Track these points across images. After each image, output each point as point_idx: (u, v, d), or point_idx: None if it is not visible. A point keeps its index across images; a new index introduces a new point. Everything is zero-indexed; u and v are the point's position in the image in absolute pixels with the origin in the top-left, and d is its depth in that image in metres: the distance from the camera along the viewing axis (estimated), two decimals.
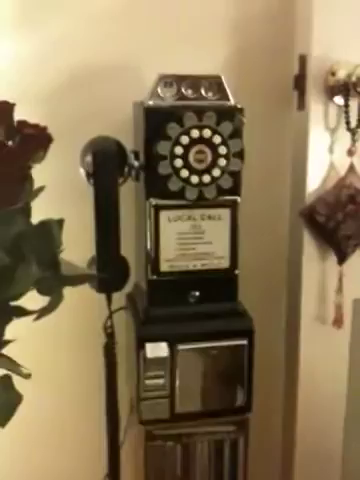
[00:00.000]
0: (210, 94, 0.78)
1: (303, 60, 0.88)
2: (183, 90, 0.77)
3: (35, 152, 0.57)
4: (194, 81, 0.78)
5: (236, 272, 0.82)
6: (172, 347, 0.79)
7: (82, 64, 0.84)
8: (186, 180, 0.76)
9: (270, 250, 0.98)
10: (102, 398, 0.84)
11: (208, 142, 0.76)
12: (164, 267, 0.80)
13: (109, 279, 0.78)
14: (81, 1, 0.84)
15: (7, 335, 0.55)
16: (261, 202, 0.93)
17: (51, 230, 0.62)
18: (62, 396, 0.95)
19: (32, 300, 0.53)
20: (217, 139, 0.76)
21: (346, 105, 0.86)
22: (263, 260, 0.97)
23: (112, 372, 0.83)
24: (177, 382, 0.80)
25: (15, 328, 0.54)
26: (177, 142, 0.75)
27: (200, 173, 0.77)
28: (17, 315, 0.55)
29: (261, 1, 0.90)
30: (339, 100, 0.87)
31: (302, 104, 0.90)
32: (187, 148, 0.76)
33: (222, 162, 0.77)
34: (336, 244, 0.91)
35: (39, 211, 0.56)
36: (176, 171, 0.76)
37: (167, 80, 0.77)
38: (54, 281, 0.62)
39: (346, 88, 0.85)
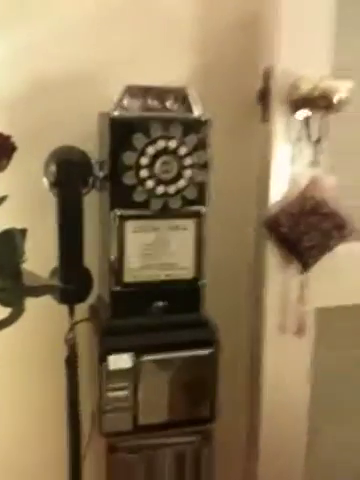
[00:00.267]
0: (176, 106, 0.78)
1: (267, 74, 0.89)
2: (149, 101, 0.78)
3: None
4: (160, 92, 0.78)
5: (201, 283, 0.82)
6: (135, 358, 0.78)
7: (47, 73, 0.83)
8: (151, 191, 0.76)
9: (235, 260, 0.98)
10: (63, 411, 0.83)
11: (174, 153, 0.76)
12: (128, 278, 0.79)
13: (72, 290, 0.77)
14: (47, 10, 0.83)
15: None
16: (226, 213, 0.94)
17: (14, 239, 0.61)
18: (22, 409, 0.93)
19: None
20: (183, 150, 0.77)
21: (308, 118, 0.87)
22: (228, 270, 0.97)
23: (74, 385, 0.81)
24: (140, 394, 0.80)
25: None
26: (143, 153, 0.75)
27: (165, 184, 0.77)
28: None
29: (227, 15, 0.90)
30: (302, 114, 0.89)
31: (266, 117, 0.91)
32: (153, 159, 0.76)
33: (188, 173, 0.77)
34: (299, 254, 0.92)
35: (0, 220, 0.55)
36: (141, 182, 0.76)
37: (133, 91, 0.77)
38: (15, 291, 0.61)
39: (309, 102, 0.86)
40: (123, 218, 0.77)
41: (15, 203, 0.66)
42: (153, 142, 0.75)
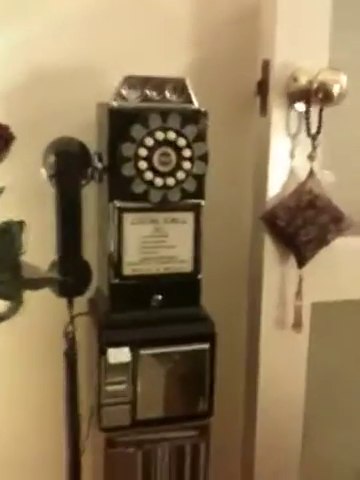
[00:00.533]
0: (174, 97, 0.78)
1: (266, 66, 0.89)
2: (147, 92, 0.77)
3: None
4: (158, 83, 0.77)
5: (199, 276, 0.82)
6: (134, 352, 0.78)
7: (46, 63, 0.82)
8: (150, 182, 0.76)
9: (232, 254, 0.98)
10: (62, 405, 0.82)
11: (173, 145, 0.76)
12: (127, 271, 0.79)
13: (71, 283, 0.76)
14: (46, 2, 0.82)
15: None
16: (224, 206, 0.94)
17: (12, 232, 0.61)
18: (20, 403, 0.92)
19: None
20: (182, 142, 0.76)
21: (307, 111, 0.87)
22: (225, 264, 0.97)
23: (73, 379, 0.81)
24: (139, 388, 0.79)
25: None
26: (141, 144, 0.74)
27: (164, 176, 0.76)
28: None
29: (226, 6, 0.90)
30: (300, 106, 0.89)
31: (264, 109, 0.91)
32: (151, 150, 0.75)
33: (186, 165, 0.77)
34: (296, 248, 0.92)
35: None
36: (140, 173, 0.75)
37: (132, 81, 0.76)
38: (14, 284, 0.60)
39: (307, 94, 0.86)
40: (122, 210, 0.77)
41: (13, 194, 0.65)
42: (152, 133, 0.75)
